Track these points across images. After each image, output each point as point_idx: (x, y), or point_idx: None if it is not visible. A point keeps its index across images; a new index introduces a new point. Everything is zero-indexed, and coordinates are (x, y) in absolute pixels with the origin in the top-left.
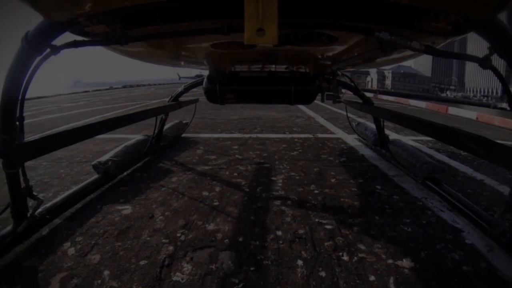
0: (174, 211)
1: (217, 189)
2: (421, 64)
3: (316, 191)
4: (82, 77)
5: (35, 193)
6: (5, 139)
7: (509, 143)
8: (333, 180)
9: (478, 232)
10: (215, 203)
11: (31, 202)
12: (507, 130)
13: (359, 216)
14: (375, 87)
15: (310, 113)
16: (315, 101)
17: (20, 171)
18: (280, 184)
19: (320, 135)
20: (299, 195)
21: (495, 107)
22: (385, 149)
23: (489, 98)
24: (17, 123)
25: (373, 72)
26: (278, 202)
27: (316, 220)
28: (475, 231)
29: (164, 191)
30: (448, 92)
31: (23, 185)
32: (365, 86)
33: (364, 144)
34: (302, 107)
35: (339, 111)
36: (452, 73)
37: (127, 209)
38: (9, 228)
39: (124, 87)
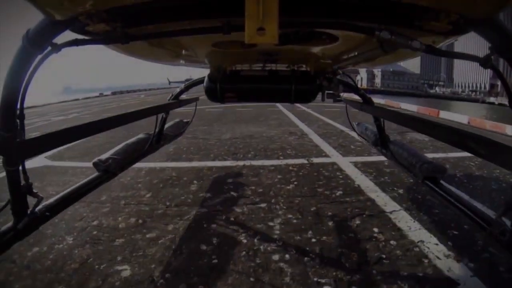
0: (174, 272)
1: (215, 240)
2: (410, 61)
3: (313, 240)
4: (72, 83)
5: (35, 191)
6: (5, 137)
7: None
8: (330, 224)
9: (472, 283)
10: (214, 261)
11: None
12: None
13: (357, 271)
14: (365, 86)
15: (303, 127)
16: (307, 111)
17: (20, 168)
18: (278, 232)
19: (314, 160)
20: (297, 246)
21: (483, 102)
22: (385, 149)
23: (478, 93)
24: (18, 120)
25: (362, 71)
26: (276, 257)
27: (315, 279)
28: (470, 282)
29: (161, 244)
30: (437, 88)
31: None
32: None
33: (359, 170)
34: (295, 120)
35: (332, 123)
36: (441, 69)
37: (126, 269)
38: (9, 224)
39: (114, 93)
